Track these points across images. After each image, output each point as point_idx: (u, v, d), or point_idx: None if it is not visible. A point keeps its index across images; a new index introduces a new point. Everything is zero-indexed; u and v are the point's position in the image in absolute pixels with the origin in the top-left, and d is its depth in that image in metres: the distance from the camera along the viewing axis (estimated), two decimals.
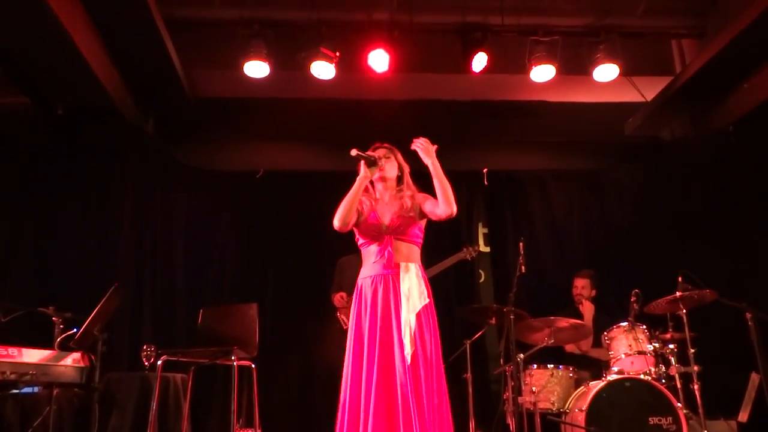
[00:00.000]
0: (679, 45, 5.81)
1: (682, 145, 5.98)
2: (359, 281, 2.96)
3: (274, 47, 4.90)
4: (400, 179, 3.06)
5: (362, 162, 2.93)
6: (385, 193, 3.06)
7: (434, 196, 2.94)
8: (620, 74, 5.20)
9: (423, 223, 3.02)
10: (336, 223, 2.89)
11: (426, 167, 2.92)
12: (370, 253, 2.96)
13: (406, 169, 3.08)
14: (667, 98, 5.53)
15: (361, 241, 3.02)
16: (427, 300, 2.89)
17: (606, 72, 5.16)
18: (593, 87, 5.45)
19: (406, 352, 2.70)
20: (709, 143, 5.86)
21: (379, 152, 3.03)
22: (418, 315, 2.81)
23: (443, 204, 2.86)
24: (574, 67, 5.35)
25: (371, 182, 3.02)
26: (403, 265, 2.89)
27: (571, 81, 5.57)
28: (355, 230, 3.02)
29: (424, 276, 2.95)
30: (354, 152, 2.90)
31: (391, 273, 2.87)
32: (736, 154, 5.77)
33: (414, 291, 2.85)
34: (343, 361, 2.89)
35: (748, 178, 5.84)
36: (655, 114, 5.76)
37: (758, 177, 5.71)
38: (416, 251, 2.99)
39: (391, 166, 3.03)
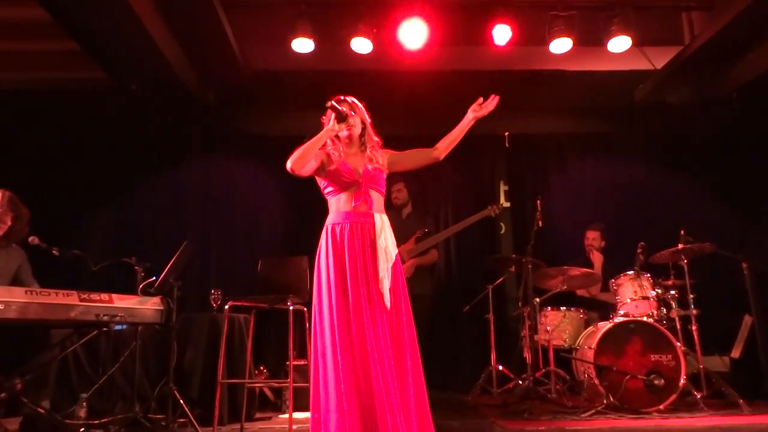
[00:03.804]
0: (689, 17, 5.80)
1: (688, 110, 6.04)
2: (330, 226, 2.89)
3: (319, 25, 5.07)
4: (362, 132, 3.01)
5: (333, 115, 2.90)
6: (351, 146, 3.00)
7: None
8: (632, 45, 5.22)
9: (387, 174, 3.05)
10: (290, 165, 2.80)
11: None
12: (340, 201, 2.92)
13: (368, 122, 3.02)
14: (675, 67, 5.56)
15: (329, 189, 2.96)
16: (396, 250, 2.90)
17: (619, 43, 5.20)
18: (607, 56, 5.47)
19: (386, 300, 2.73)
20: (713, 108, 5.96)
21: (346, 108, 2.94)
22: (393, 265, 2.84)
23: (445, 151, 3.06)
24: (590, 38, 5.37)
25: (336, 135, 2.98)
26: (377, 215, 2.88)
27: (586, 51, 5.60)
28: (322, 179, 2.98)
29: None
30: (329, 104, 2.89)
31: (367, 222, 2.86)
32: (738, 118, 5.91)
33: (389, 241, 2.85)
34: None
35: (748, 141, 6.04)
36: (663, 81, 5.79)
37: (758, 140, 5.93)
38: (382, 201, 3.00)
39: (357, 122, 2.97)
